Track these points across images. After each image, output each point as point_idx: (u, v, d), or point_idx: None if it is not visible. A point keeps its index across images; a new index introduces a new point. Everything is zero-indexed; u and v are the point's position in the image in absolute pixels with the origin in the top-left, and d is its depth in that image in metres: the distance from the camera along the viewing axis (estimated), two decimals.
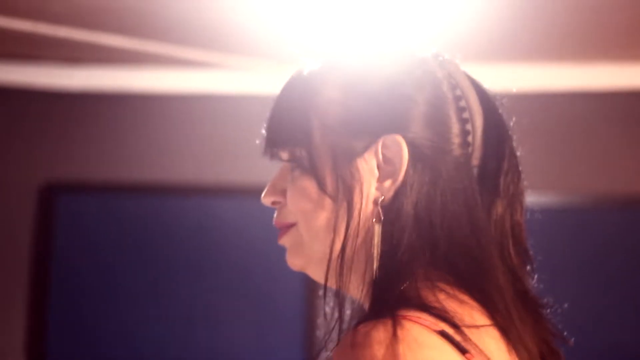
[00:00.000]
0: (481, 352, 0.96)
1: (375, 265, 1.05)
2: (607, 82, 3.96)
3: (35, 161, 4.30)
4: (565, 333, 1.13)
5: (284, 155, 1.13)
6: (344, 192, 1.07)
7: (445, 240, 1.05)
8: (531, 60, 3.92)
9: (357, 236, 1.07)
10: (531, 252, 1.14)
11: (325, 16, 3.34)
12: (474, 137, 1.12)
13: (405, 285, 1.02)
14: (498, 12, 3.29)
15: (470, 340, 0.96)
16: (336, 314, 1.07)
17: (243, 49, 3.85)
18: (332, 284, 1.09)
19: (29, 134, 4.32)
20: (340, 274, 1.06)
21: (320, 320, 1.07)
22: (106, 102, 4.28)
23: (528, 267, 1.14)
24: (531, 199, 1.17)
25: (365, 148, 1.08)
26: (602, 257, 3.92)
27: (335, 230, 1.07)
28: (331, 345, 1.05)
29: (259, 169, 3.88)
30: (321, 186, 1.08)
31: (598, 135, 3.99)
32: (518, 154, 1.15)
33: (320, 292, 1.10)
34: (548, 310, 1.13)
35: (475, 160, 1.12)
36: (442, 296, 1.01)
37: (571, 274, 3.74)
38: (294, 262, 1.15)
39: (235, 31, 3.60)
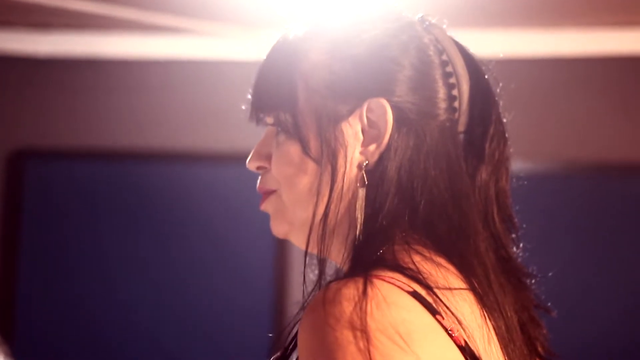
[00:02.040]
0: (452, 314, 0.96)
1: (358, 229, 1.04)
2: (581, 48, 3.97)
3: (3, 127, 4.26)
4: (548, 303, 1.13)
5: (269, 119, 1.13)
6: (328, 155, 1.06)
7: (425, 204, 1.05)
8: (504, 26, 3.92)
9: (341, 200, 1.06)
10: (516, 219, 1.14)
11: None
12: (460, 103, 1.11)
13: (384, 248, 1.02)
14: None
15: (441, 302, 0.96)
16: (317, 279, 1.06)
17: (216, 15, 3.82)
18: (313, 249, 1.08)
19: None
20: (322, 238, 1.06)
21: (299, 285, 1.06)
22: (76, 67, 4.23)
23: (513, 235, 1.13)
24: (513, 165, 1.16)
25: (350, 112, 1.07)
26: (576, 224, 3.94)
27: (318, 194, 1.07)
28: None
29: (234, 135, 3.87)
30: (305, 150, 1.08)
31: (572, 102, 4.00)
32: (504, 120, 1.15)
33: (299, 256, 1.09)
34: (531, 280, 1.13)
35: (461, 126, 1.12)
36: (417, 258, 1.01)
37: (545, 242, 3.75)
38: (278, 228, 1.15)
39: None
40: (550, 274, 1.14)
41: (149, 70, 4.21)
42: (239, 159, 3.43)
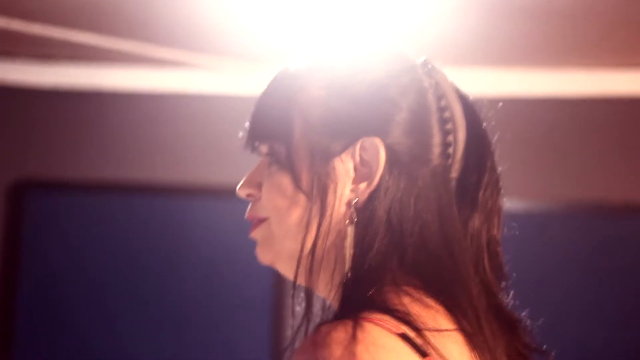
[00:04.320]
0: (442, 356, 0.96)
1: (347, 267, 1.05)
2: (581, 88, 3.98)
3: (4, 159, 4.26)
4: (544, 346, 1.13)
5: (264, 149, 1.14)
6: (319, 190, 1.07)
7: (414, 247, 1.05)
8: (505, 65, 3.93)
9: (329, 235, 1.07)
10: (506, 269, 1.14)
11: (301, 16, 3.34)
12: (455, 149, 1.11)
13: (373, 289, 1.02)
14: (475, 16, 3.29)
15: (431, 343, 0.96)
16: (305, 312, 1.06)
17: (217, 49, 3.84)
18: (301, 282, 1.08)
19: None
20: (309, 272, 1.06)
21: (290, 318, 1.07)
22: (78, 99, 4.24)
23: (502, 283, 1.14)
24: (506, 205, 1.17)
25: (344, 149, 1.08)
26: (570, 263, 3.93)
27: (307, 228, 1.07)
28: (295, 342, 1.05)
29: (230, 169, 3.88)
30: (296, 182, 1.08)
31: (572, 142, 4.01)
32: (499, 169, 1.15)
33: (290, 289, 1.10)
34: (524, 325, 1.13)
35: (455, 173, 1.12)
36: (406, 300, 1.01)
37: (539, 280, 3.75)
38: (264, 256, 1.15)
39: (210, 31, 3.59)
40: (543, 321, 1.14)
41: (150, 103, 4.22)
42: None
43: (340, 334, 0.93)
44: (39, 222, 4.22)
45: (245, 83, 4.05)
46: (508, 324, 1.11)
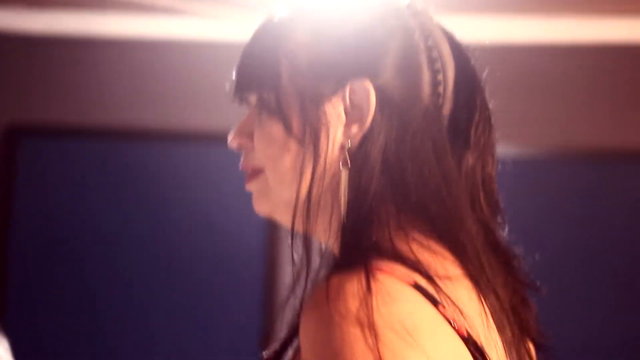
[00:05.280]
0: (453, 303, 0.97)
1: (342, 211, 1.05)
2: (572, 36, 3.97)
3: None
4: (538, 283, 1.14)
5: (252, 99, 1.13)
6: (311, 135, 1.07)
7: (416, 185, 1.05)
8: (497, 12, 3.91)
9: (323, 180, 1.06)
10: (502, 205, 1.14)
11: None
12: (444, 88, 1.11)
13: (377, 233, 1.02)
14: None
15: (442, 291, 0.97)
16: (304, 259, 1.06)
17: None
18: (299, 229, 1.08)
19: None
20: (306, 219, 1.06)
21: (286, 266, 1.06)
22: (70, 46, 4.23)
23: (499, 219, 1.14)
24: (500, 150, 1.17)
25: (333, 92, 1.07)
26: (560, 209, 3.95)
27: (301, 174, 1.07)
28: (299, 290, 1.05)
29: (222, 116, 3.86)
30: (287, 129, 1.08)
31: (561, 88, 4.00)
32: (490, 106, 1.14)
33: (287, 237, 1.09)
34: (519, 261, 1.13)
35: (446, 112, 1.11)
36: (415, 247, 1.01)
37: (532, 226, 3.77)
38: (261, 208, 1.15)
39: None
40: (537, 257, 1.15)
41: (142, 50, 4.20)
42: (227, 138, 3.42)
43: (354, 286, 0.92)
44: (32, 168, 4.22)
45: (236, 29, 4.02)
46: (505, 260, 1.11)
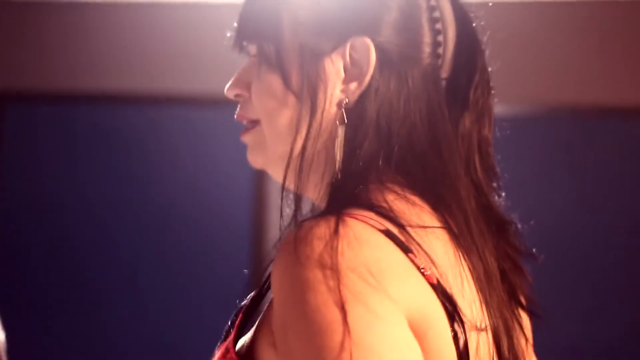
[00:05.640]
0: (425, 252, 0.97)
1: (337, 167, 1.05)
2: None
3: None
4: (533, 250, 1.13)
5: (252, 49, 1.12)
6: (309, 90, 1.06)
7: (401, 148, 1.05)
8: None
9: (319, 136, 1.06)
10: (497, 169, 1.14)
11: None
12: (444, 49, 1.10)
13: (359, 188, 1.02)
14: None
15: (413, 240, 0.97)
16: (294, 214, 1.06)
17: None
18: (290, 184, 1.08)
19: None
20: (299, 173, 1.06)
21: (277, 220, 1.06)
22: (56, 10, 4.19)
23: (494, 184, 1.13)
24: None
25: (334, 48, 1.07)
26: (553, 166, 3.96)
27: (297, 129, 1.07)
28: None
29: (210, 78, 3.84)
30: (286, 82, 1.07)
31: (549, 45, 3.99)
32: (490, 68, 1.14)
33: (278, 191, 1.08)
34: (513, 227, 1.13)
35: (445, 73, 1.11)
36: (390, 197, 1.01)
37: (525, 184, 3.78)
38: (255, 159, 1.14)
39: None
40: (531, 222, 1.14)
41: (129, 13, 4.17)
42: (218, 101, 3.41)
43: (322, 230, 0.92)
44: (18, 134, 4.20)
45: None
46: (497, 225, 1.11)
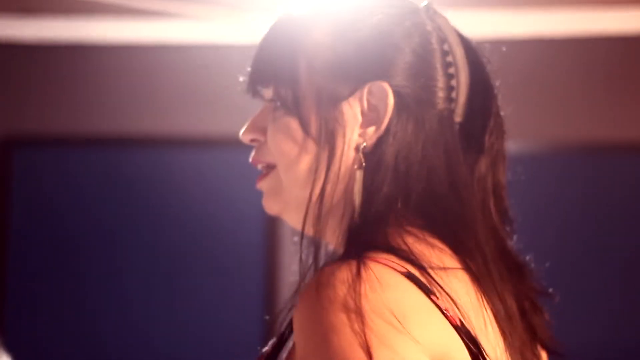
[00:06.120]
0: (447, 294, 0.97)
1: (356, 211, 1.05)
2: (568, 28, 3.96)
3: None
4: (550, 290, 1.13)
5: (267, 93, 1.12)
6: (327, 135, 1.06)
7: (420, 191, 1.05)
8: (493, 7, 3.91)
9: (338, 181, 1.06)
10: (511, 213, 1.14)
11: None
12: (458, 93, 1.11)
13: (378, 231, 1.02)
14: None
15: (435, 282, 0.97)
16: (312, 260, 1.06)
17: None
18: (309, 230, 1.08)
19: None
20: (318, 218, 1.06)
21: (290, 268, 1.06)
22: (62, 53, 4.21)
23: (508, 228, 1.14)
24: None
25: (351, 93, 1.07)
26: (559, 203, 3.95)
27: (315, 174, 1.07)
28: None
29: (219, 119, 3.86)
30: (305, 128, 1.07)
31: (558, 82, 4.00)
32: (502, 113, 1.15)
33: (295, 239, 1.09)
34: (529, 269, 1.13)
35: (458, 117, 1.11)
36: (410, 239, 1.01)
37: (533, 223, 3.76)
38: (271, 206, 1.14)
39: None
40: (547, 265, 1.15)
41: (136, 55, 4.19)
42: (226, 143, 3.42)
43: (344, 273, 0.92)
44: (28, 179, 4.21)
45: (233, 33, 4.02)
46: (515, 267, 1.11)
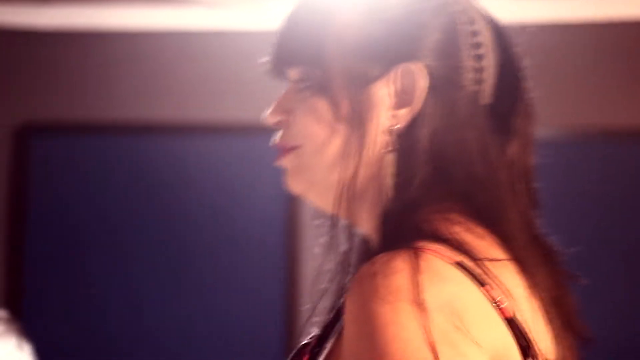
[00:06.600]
0: (500, 284, 0.96)
1: (389, 196, 1.03)
2: (591, 13, 3.94)
3: (9, 103, 4.24)
4: (579, 274, 1.12)
5: (294, 73, 1.10)
6: (358, 117, 1.04)
7: (461, 174, 1.04)
8: None
9: (369, 164, 1.05)
10: (538, 196, 1.12)
11: None
12: (486, 75, 1.09)
13: (420, 218, 1.00)
14: None
15: (489, 272, 0.95)
16: (344, 245, 1.05)
17: None
18: (339, 214, 1.06)
19: (1, 75, 4.25)
20: (349, 203, 1.04)
21: (326, 251, 1.04)
22: (77, 41, 4.21)
23: (536, 213, 1.12)
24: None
25: (382, 74, 1.05)
26: (586, 190, 3.93)
27: (347, 157, 1.05)
28: (341, 276, 1.04)
29: (235, 107, 3.86)
30: (335, 109, 1.05)
31: (581, 68, 3.98)
32: (531, 95, 1.13)
33: (317, 222, 1.08)
34: (559, 253, 1.11)
35: (486, 99, 1.10)
36: (458, 229, 0.99)
37: (557, 209, 3.76)
38: (295, 185, 1.11)
39: None
40: (574, 249, 1.14)
41: (152, 43, 4.19)
42: (246, 129, 3.40)
43: (400, 263, 0.91)
44: (46, 165, 4.22)
45: (249, 19, 4.00)
46: (546, 252, 1.10)
